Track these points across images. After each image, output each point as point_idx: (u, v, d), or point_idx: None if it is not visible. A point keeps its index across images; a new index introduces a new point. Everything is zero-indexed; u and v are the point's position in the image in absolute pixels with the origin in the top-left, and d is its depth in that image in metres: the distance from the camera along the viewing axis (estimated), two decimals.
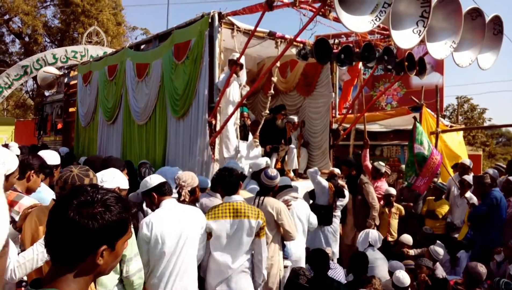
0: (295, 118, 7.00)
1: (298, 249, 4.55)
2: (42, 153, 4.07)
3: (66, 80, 10.94)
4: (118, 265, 2.80)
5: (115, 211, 1.23)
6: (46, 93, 14.24)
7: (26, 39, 23.67)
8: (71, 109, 10.40)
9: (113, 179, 3.01)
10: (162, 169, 4.83)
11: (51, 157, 4.16)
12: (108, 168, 3.32)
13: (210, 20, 5.45)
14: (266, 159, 5.48)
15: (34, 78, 17.03)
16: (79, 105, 9.30)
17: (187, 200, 3.80)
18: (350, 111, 7.51)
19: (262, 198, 4.05)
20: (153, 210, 3.29)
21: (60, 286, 1.17)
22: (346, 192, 5.74)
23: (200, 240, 3.28)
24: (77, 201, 1.20)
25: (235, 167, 4.12)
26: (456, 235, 5.88)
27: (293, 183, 5.96)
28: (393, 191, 6.27)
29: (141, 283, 2.95)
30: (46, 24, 24.12)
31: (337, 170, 5.97)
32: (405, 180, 6.38)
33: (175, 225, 3.10)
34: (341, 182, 5.84)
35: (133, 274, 2.85)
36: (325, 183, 5.55)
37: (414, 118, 6.41)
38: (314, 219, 4.84)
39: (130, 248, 2.85)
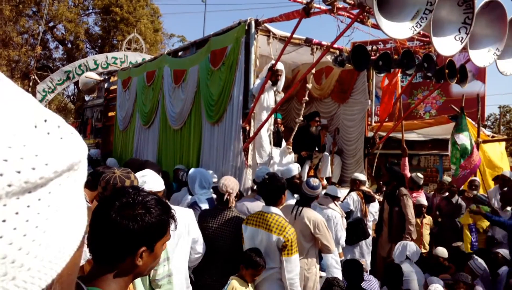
0: (325, 121, 7.13)
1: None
2: None
3: (106, 85, 11.30)
4: None
5: (155, 213, 1.25)
6: (86, 98, 14.77)
7: (69, 45, 24.68)
8: (110, 114, 10.73)
9: (153, 180, 3.02)
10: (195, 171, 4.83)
11: None
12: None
13: (246, 27, 5.49)
14: (297, 165, 5.43)
15: (76, 83, 17.69)
16: (118, 109, 9.58)
17: (233, 205, 3.83)
18: (386, 119, 7.36)
19: (300, 208, 3.99)
20: None
21: (100, 285, 1.20)
22: (376, 197, 5.65)
23: (188, 241, 3.24)
24: (119, 202, 1.23)
25: (281, 174, 4.06)
26: (498, 250, 5.61)
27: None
28: (424, 201, 6.10)
29: (171, 288, 2.95)
30: (88, 31, 25.05)
31: (362, 177, 5.88)
32: (454, 175, 6.30)
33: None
34: (365, 188, 5.73)
35: (162, 279, 2.87)
36: (353, 199, 5.51)
37: (461, 108, 6.27)
38: (339, 232, 4.79)
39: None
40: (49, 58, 25.73)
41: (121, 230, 1.20)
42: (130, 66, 10.01)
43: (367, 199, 5.44)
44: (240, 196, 4.37)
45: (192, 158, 6.45)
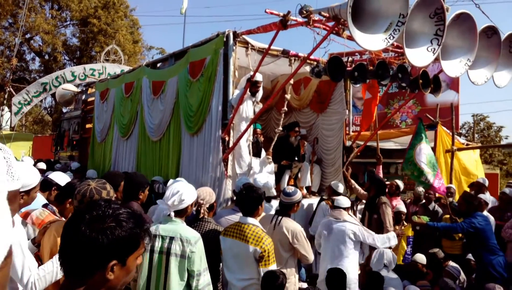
0: (304, 131, 7.17)
1: (350, 271, 4.40)
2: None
3: (83, 97, 11.16)
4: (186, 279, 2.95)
5: (126, 227, 1.24)
6: (64, 110, 14.55)
7: (46, 57, 24.34)
8: (88, 125, 10.58)
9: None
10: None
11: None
12: (133, 183, 3.50)
13: (225, 39, 5.53)
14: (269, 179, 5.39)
15: (53, 95, 17.43)
16: (96, 121, 9.46)
17: (206, 217, 3.81)
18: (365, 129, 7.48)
19: (280, 218, 3.99)
20: None
21: None
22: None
23: None
24: (89, 215, 1.22)
25: (258, 185, 4.04)
26: (469, 256, 5.72)
27: (306, 201, 5.95)
28: (403, 208, 6.17)
29: None
30: (65, 42, 24.80)
31: (340, 189, 5.91)
32: (416, 179, 6.16)
33: None
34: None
35: (203, 288, 2.94)
36: (322, 210, 5.56)
37: (419, 118, 6.41)
38: (369, 237, 4.66)
39: (200, 262, 2.97)
40: (25, 70, 25.32)
41: (90, 243, 1.18)
42: (108, 77, 9.92)
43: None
44: (217, 207, 4.34)
45: (172, 169, 6.41)
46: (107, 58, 17.68)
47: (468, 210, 5.20)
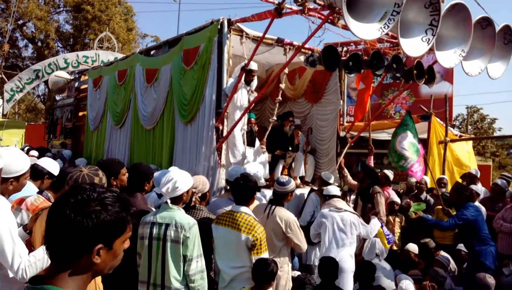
0: (298, 121, 7.18)
1: (346, 261, 4.46)
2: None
3: (76, 84, 11.07)
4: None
5: (112, 210, 1.23)
6: (57, 97, 14.44)
7: (39, 44, 24.06)
8: (80, 113, 10.51)
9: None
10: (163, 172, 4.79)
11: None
12: (139, 174, 3.54)
13: (219, 27, 5.48)
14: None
15: (46, 83, 17.26)
16: (89, 109, 9.39)
17: (197, 205, 3.82)
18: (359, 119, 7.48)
19: (273, 207, 4.00)
20: None
21: (58, 283, 1.18)
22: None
23: None
24: (74, 199, 1.21)
25: (253, 174, 4.04)
26: (460, 246, 5.77)
27: (299, 190, 5.95)
28: (396, 199, 6.21)
29: (203, 284, 3.07)
30: (59, 29, 24.50)
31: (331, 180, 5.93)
32: (396, 164, 6.35)
33: None
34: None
35: (194, 274, 3.00)
36: (312, 200, 5.57)
37: (407, 111, 6.48)
38: (365, 230, 4.72)
39: (193, 248, 3.01)
40: (18, 57, 25.03)
41: (75, 227, 1.17)
42: (102, 65, 9.82)
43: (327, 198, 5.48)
44: (211, 196, 4.34)
45: (165, 158, 6.39)
46: (100, 46, 17.50)
47: (460, 200, 5.23)
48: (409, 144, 6.09)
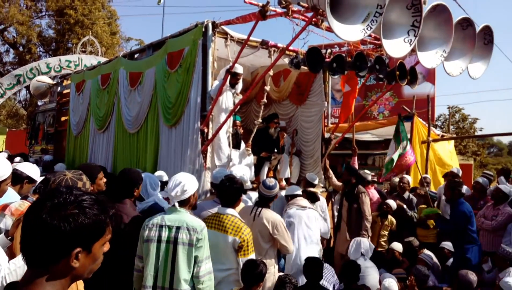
0: (283, 123, 7.23)
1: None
2: None
3: (59, 89, 10.90)
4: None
5: (90, 213, 1.21)
6: (39, 103, 14.21)
7: (20, 49, 23.67)
8: (63, 118, 10.35)
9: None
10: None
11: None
12: (127, 180, 3.52)
13: (203, 29, 5.46)
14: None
15: (27, 88, 16.99)
16: (72, 114, 9.25)
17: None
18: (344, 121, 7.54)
19: (259, 209, 4.01)
20: None
21: (34, 289, 1.15)
22: (320, 197, 5.77)
23: None
24: (50, 203, 1.18)
25: (239, 177, 4.06)
26: (443, 244, 5.85)
27: (284, 192, 5.96)
28: (392, 203, 6.28)
29: (211, 285, 3.08)
30: (41, 34, 24.15)
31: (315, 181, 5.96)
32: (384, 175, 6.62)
33: None
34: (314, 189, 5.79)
35: (203, 275, 3.00)
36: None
37: (399, 115, 6.57)
38: (324, 227, 4.85)
39: (203, 250, 3.04)
40: None
41: (52, 231, 1.15)
42: (84, 69, 9.70)
43: (312, 198, 5.50)
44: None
45: (149, 162, 6.33)
46: (83, 50, 17.27)
47: (453, 196, 5.31)
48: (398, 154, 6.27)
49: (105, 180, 3.54)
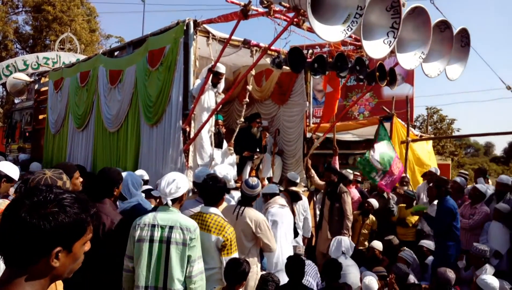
0: (265, 122, 7.30)
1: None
2: None
3: (36, 86, 10.69)
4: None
5: (70, 212, 1.19)
6: (16, 100, 13.88)
7: None
8: (41, 116, 10.14)
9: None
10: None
11: None
12: (107, 179, 3.47)
13: (185, 28, 5.43)
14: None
15: (3, 85, 16.56)
16: (50, 112, 9.07)
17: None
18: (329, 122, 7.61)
19: (242, 208, 4.01)
20: None
21: (13, 289, 1.12)
22: (302, 196, 5.82)
23: None
24: (29, 201, 1.16)
25: (223, 176, 4.07)
26: (422, 243, 5.95)
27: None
28: (374, 202, 6.36)
29: (203, 285, 3.07)
30: (17, 30, 23.57)
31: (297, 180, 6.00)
32: (366, 175, 6.68)
33: None
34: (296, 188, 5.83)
35: (196, 275, 2.99)
36: None
37: (380, 119, 6.67)
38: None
39: (196, 250, 3.02)
40: None
41: (31, 230, 1.12)
42: (63, 66, 9.52)
43: (294, 198, 5.54)
44: None
45: (130, 161, 6.26)
46: (62, 47, 16.94)
47: (439, 194, 5.38)
48: (379, 155, 6.33)
49: (81, 179, 3.48)
